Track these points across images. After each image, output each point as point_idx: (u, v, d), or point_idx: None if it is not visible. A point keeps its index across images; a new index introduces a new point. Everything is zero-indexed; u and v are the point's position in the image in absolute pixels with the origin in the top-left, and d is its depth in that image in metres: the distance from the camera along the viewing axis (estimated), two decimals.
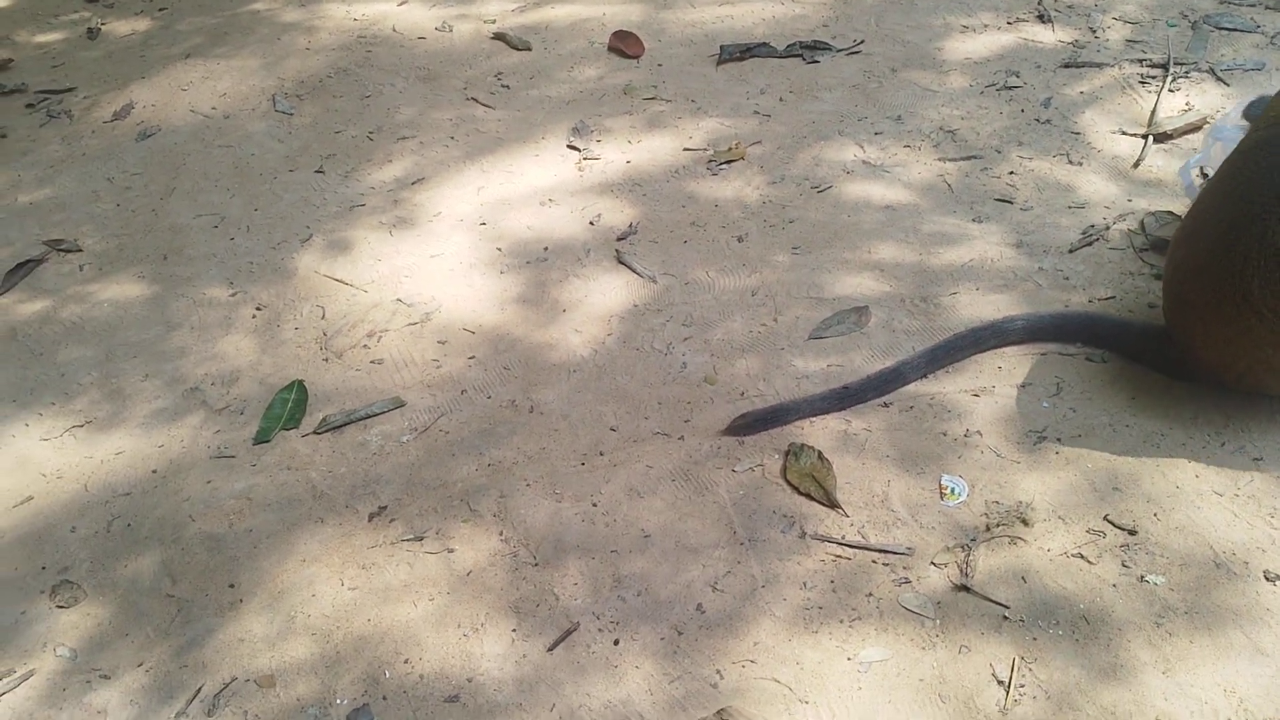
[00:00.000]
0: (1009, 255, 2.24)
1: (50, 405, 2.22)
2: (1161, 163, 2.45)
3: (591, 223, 2.53)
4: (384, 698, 1.57)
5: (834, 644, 1.55)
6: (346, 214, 2.68)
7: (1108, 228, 2.27)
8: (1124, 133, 2.56)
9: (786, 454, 1.85)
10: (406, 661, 1.61)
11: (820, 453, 1.83)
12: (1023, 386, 1.93)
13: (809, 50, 3.09)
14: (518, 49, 3.35)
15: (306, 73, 3.33)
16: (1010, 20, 3.11)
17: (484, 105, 3.08)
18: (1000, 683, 1.47)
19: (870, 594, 1.62)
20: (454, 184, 2.74)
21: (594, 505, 1.82)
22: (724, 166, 2.66)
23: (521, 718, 1.52)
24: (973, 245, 2.28)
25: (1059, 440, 1.81)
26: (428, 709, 1.54)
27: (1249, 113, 2.19)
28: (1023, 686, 1.47)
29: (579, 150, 2.80)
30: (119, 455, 2.07)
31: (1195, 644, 1.49)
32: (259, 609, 1.73)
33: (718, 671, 1.54)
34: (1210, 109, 2.57)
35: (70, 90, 3.44)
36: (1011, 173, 2.49)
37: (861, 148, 2.65)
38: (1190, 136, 2.51)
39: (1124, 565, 1.60)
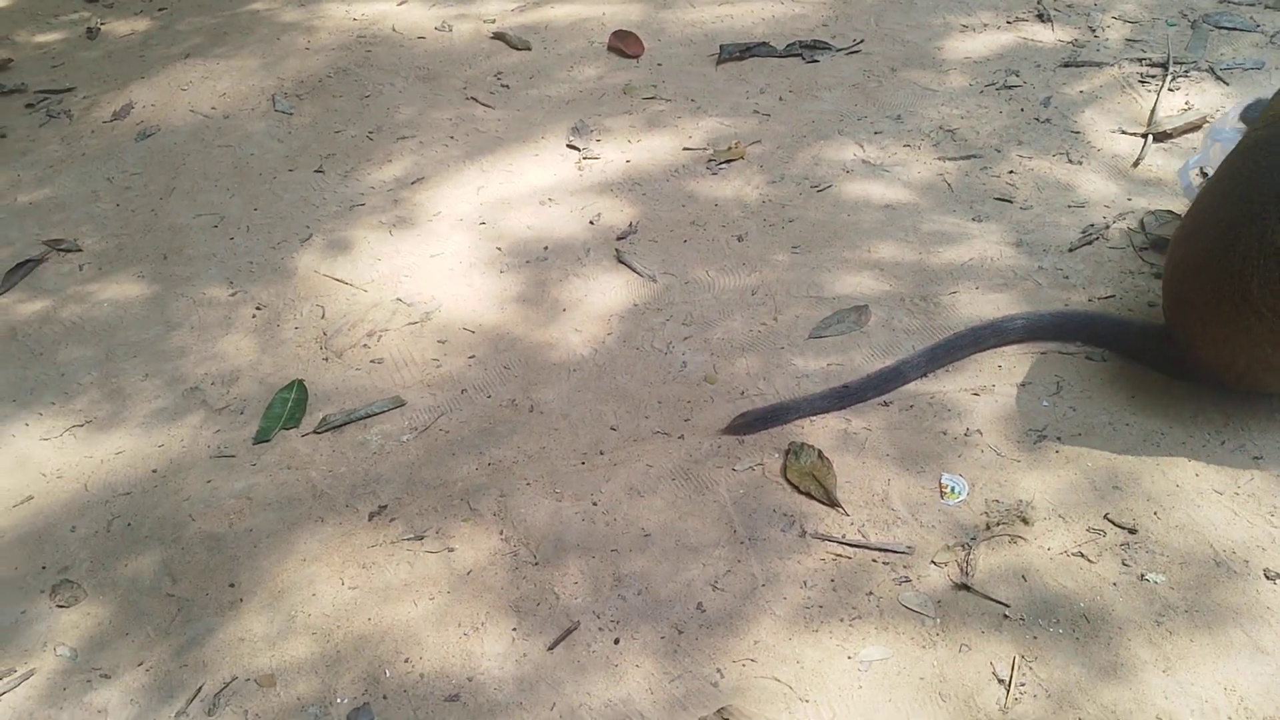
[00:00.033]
0: (1009, 254, 2.24)
1: (50, 405, 2.22)
2: (1161, 162, 2.45)
3: (591, 222, 2.53)
4: (384, 697, 1.57)
5: (834, 643, 1.55)
6: (346, 214, 2.68)
7: (1107, 226, 2.27)
8: (1124, 132, 2.57)
9: (787, 453, 1.85)
10: (407, 661, 1.61)
11: (820, 451, 1.83)
12: (1023, 385, 1.93)
13: (809, 50, 3.09)
14: (517, 49, 3.35)
15: (306, 72, 3.33)
16: (1010, 19, 3.11)
17: (484, 105, 3.08)
18: (1001, 681, 1.48)
19: (870, 593, 1.62)
20: (454, 183, 2.74)
21: (594, 504, 1.82)
22: (724, 166, 2.66)
23: (522, 717, 1.52)
24: (972, 244, 2.28)
25: (1059, 439, 1.81)
26: (428, 708, 1.54)
27: (1246, 115, 2.19)
28: (1023, 685, 1.47)
29: (579, 150, 2.81)
30: (119, 455, 2.07)
31: (1195, 642, 1.49)
32: (259, 608, 1.73)
33: (718, 670, 1.54)
34: (1210, 108, 2.58)
35: (70, 90, 3.44)
36: (1011, 172, 2.49)
37: (861, 147, 2.65)
38: (1190, 136, 2.51)
39: (1124, 564, 1.61)
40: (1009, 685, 1.47)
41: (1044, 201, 2.38)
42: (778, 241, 2.38)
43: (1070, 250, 2.22)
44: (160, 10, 3.96)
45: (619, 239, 2.45)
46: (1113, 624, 1.53)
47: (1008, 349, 2.01)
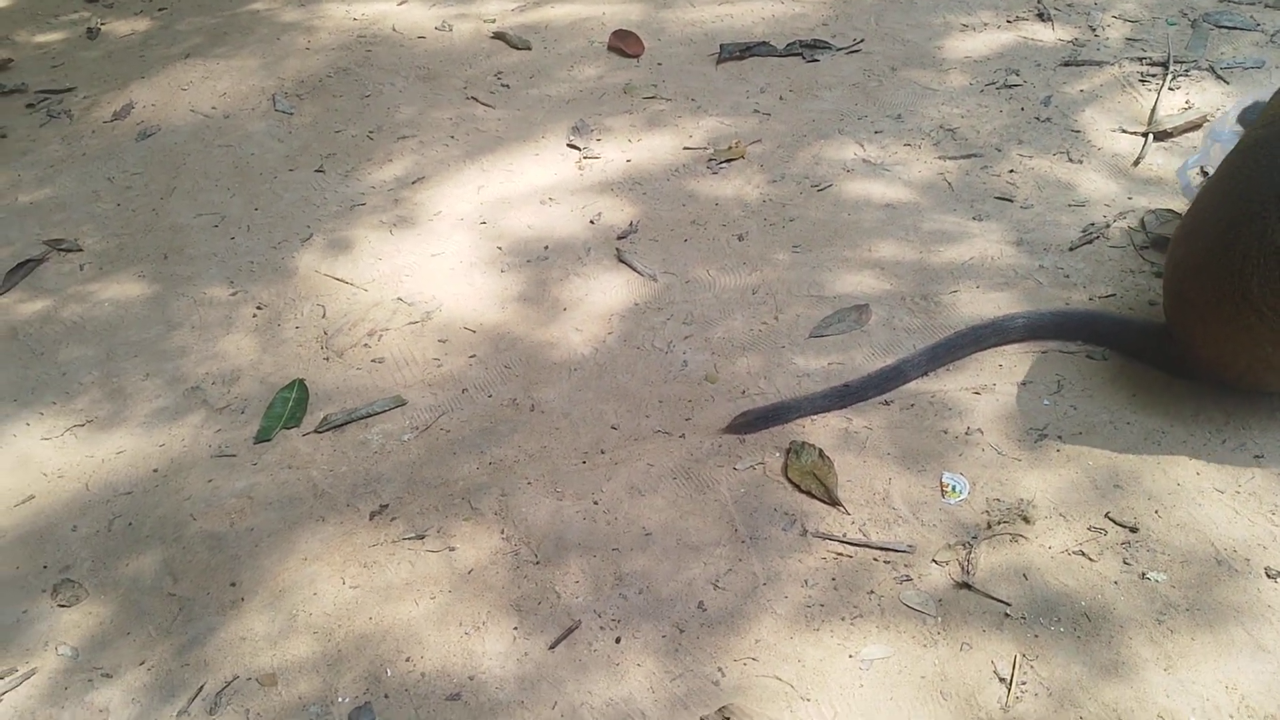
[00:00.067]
0: (1009, 253, 2.24)
1: (51, 404, 2.22)
2: (1161, 161, 2.45)
3: (592, 221, 2.53)
4: (385, 696, 1.57)
5: (835, 641, 1.55)
6: (347, 213, 2.68)
7: (1108, 225, 2.27)
8: (1124, 131, 2.57)
9: (788, 452, 1.85)
10: (408, 660, 1.61)
11: (821, 450, 1.83)
12: (1023, 384, 1.93)
13: (809, 49, 3.09)
14: (518, 48, 3.35)
15: (306, 72, 3.33)
16: (1010, 19, 3.11)
17: (484, 104, 3.08)
18: (1002, 680, 1.48)
19: (872, 591, 1.62)
20: (454, 183, 2.74)
21: (595, 503, 1.82)
22: (724, 165, 2.66)
23: (523, 716, 1.52)
24: (973, 243, 2.28)
25: (1060, 438, 1.81)
26: (429, 707, 1.54)
27: (1244, 118, 2.19)
28: (1024, 684, 1.47)
29: (579, 149, 2.81)
30: (120, 454, 2.07)
31: (1197, 641, 1.49)
32: (260, 607, 1.73)
33: (719, 669, 1.54)
34: (1210, 107, 2.58)
35: (70, 90, 3.44)
36: (1012, 171, 2.49)
37: (862, 146, 2.65)
38: (1190, 135, 2.51)
39: (1125, 562, 1.61)
40: (1010, 684, 1.47)
41: (1044, 200, 2.38)
42: (778, 241, 2.38)
43: (1071, 249, 2.22)
44: (160, 10, 3.96)
45: (619, 238, 2.45)
46: (1114, 622, 1.53)
47: (1008, 348, 2.01)
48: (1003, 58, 2.93)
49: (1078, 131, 2.59)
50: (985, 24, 3.10)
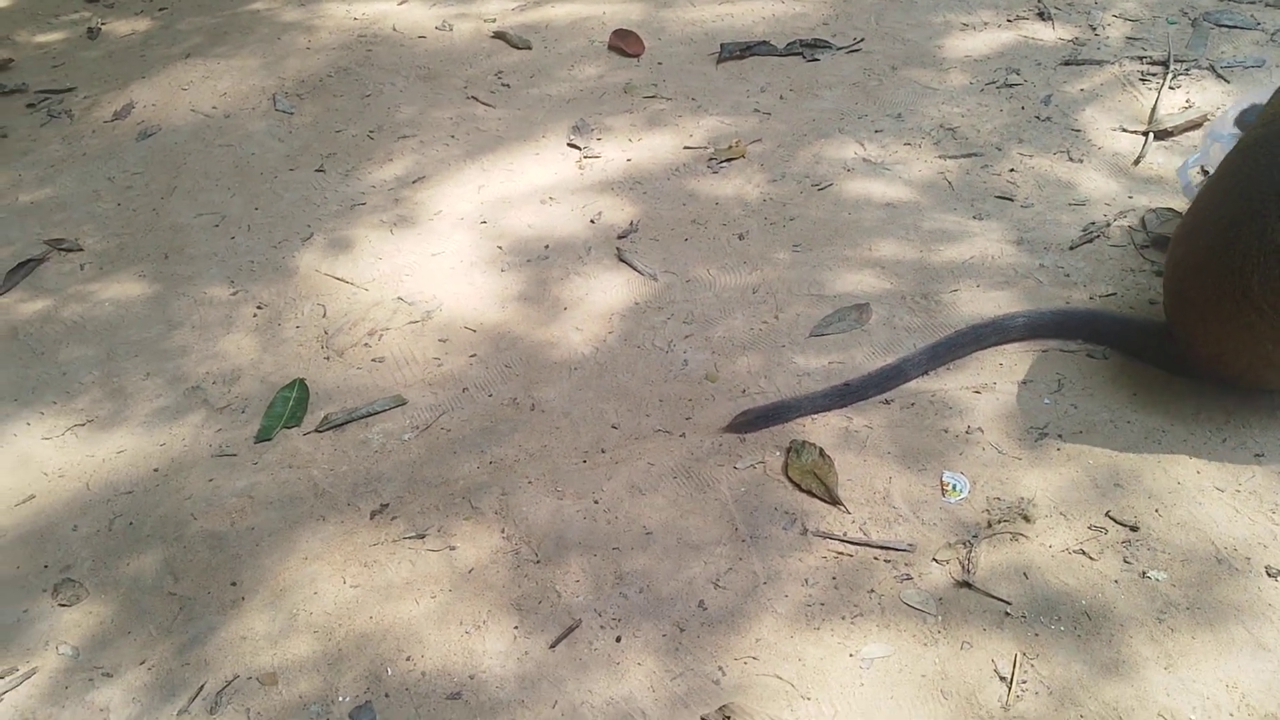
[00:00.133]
0: (1010, 252, 2.24)
1: (52, 404, 2.22)
2: (1162, 160, 2.45)
3: (592, 221, 2.53)
4: (386, 695, 1.57)
5: (836, 640, 1.55)
6: (347, 213, 2.69)
7: (1108, 224, 2.27)
8: (1124, 130, 2.57)
9: (788, 451, 1.85)
10: (408, 659, 1.61)
11: (822, 450, 1.83)
12: (1024, 383, 1.93)
13: (809, 48, 3.09)
14: (518, 48, 3.35)
15: (307, 72, 3.33)
16: (1010, 18, 3.11)
17: (484, 104, 3.08)
18: (1002, 679, 1.48)
19: (872, 590, 1.62)
20: (455, 182, 2.74)
21: (595, 502, 1.82)
22: (724, 164, 2.66)
23: (524, 715, 1.52)
24: (973, 242, 2.28)
25: (1060, 437, 1.81)
26: (430, 706, 1.54)
27: (1241, 120, 2.19)
28: (1025, 682, 1.47)
29: (579, 149, 2.81)
30: (121, 454, 2.07)
31: (1197, 639, 1.49)
32: (261, 607, 1.73)
33: (720, 668, 1.54)
34: (1211, 106, 2.58)
35: (70, 90, 3.44)
36: (1012, 170, 2.49)
37: (862, 145, 2.65)
38: (1191, 133, 2.51)
39: (1126, 561, 1.61)
40: (1010, 682, 1.47)
41: (1045, 199, 2.38)
42: (779, 240, 2.38)
43: (1071, 248, 2.22)
44: (161, 10, 3.96)
45: (620, 238, 2.45)
46: (1114, 621, 1.53)
47: (1009, 347, 2.01)
48: (1003, 57, 2.93)
49: (1078, 130, 2.59)
50: (985, 23, 3.10)
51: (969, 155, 2.56)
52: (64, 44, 3.80)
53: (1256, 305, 1.65)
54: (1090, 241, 2.23)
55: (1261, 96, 2.03)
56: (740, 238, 2.40)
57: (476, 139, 2.92)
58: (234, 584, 1.77)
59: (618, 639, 1.60)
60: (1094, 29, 3.00)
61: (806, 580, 1.65)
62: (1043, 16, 3.09)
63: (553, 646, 1.60)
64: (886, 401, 1.94)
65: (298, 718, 1.56)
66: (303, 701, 1.58)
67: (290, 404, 2.11)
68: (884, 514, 1.73)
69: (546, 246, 2.46)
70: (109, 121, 3.22)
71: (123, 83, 3.39)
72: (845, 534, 1.71)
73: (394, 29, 3.54)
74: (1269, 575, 1.56)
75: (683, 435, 1.93)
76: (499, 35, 3.43)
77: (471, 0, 3.69)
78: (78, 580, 1.82)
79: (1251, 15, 2.93)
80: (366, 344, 2.25)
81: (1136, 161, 2.45)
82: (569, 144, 2.83)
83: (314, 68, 3.35)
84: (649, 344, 2.15)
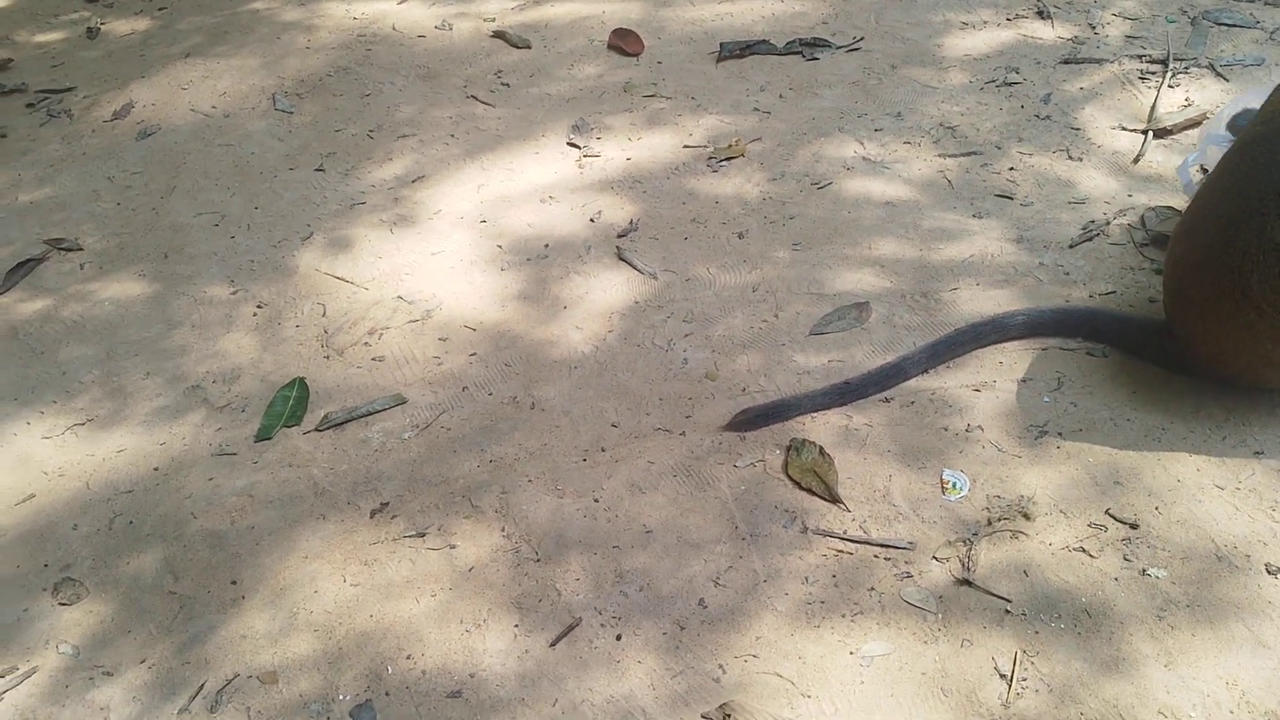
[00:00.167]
0: (1009, 251, 2.24)
1: (52, 403, 2.22)
2: (1161, 158, 2.45)
3: (592, 220, 2.53)
4: (386, 693, 1.57)
5: (836, 638, 1.55)
6: (347, 212, 2.69)
7: (1108, 223, 2.27)
8: (1124, 128, 2.57)
9: (788, 449, 1.85)
10: (409, 657, 1.62)
11: (821, 448, 1.84)
12: (1024, 381, 1.93)
13: (809, 47, 3.09)
14: (517, 47, 3.35)
15: (306, 71, 3.33)
16: (1010, 17, 3.11)
17: (484, 103, 3.08)
18: (1002, 676, 1.48)
19: (872, 588, 1.62)
20: (454, 182, 2.75)
21: (596, 501, 1.82)
22: (724, 163, 2.66)
23: (524, 713, 1.52)
24: (973, 241, 2.28)
25: (1060, 435, 1.82)
26: (430, 704, 1.55)
27: (1234, 125, 2.18)
28: (1025, 680, 1.47)
29: (579, 148, 2.81)
30: (121, 453, 2.07)
31: (1197, 637, 1.49)
32: (261, 605, 1.73)
33: (720, 666, 1.54)
34: (1210, 104, 2.58)
35: (70, 90, 3.44)
36: (1012, 168, 2.49)
37: (861, 144, 2.65)
38: (1190, 132, 2.51)
39: (1125, 559, 1.61)
40: (1011, 680, 1.47)
41: (1044, 198, 2.38)
42: (778, 239, 2.38)
43: (1071, 246, 2.22)
44: (160, 10, 3.96)
45: (620, 236, 2.45)
46: (1114, 619, 1.53)
47: (1009, 345, 2.01)
48: (1002, 55, 2.93)
49: (1078, 129, 2.59)
50: (985, 22, 3.10)
51: (969, 154, 2.56)
52: (63, 44, 3.80)
53: (1256, 304, 1.65)
54: (1090, 240, 2.23)
55: (1255, 101, 2.03)
56: (740, 236, 2.40)
57: (476, 138, 2.92)
58: (234, 583, 1.77)
59: (618, 637, 1.60)
60: (1093, 27, 3.00)
61: (807, 578, 1.65)
62: (1042, 15, 3.09)
63: (553, 645, 1.60)
64: (886, 400, 1.94)
65: (298, 716, 1.56)
66: (303, 700, 1.58)
67: (290, 403, 2.11)
68: (884, 512, 1.73)
69: (546, 245, 2.46)
70: (108, 121, 3.22)
71: (122, 82, 3.39)
72: (845, 532, 1.71)
73: (393, 28, 3.54)
74: (1269, 573, 1.56)
75: (683, 434, 1.93)
76: (498, 34, 3.43)
77: None
78: (78, 579, 1.82)
79: (1251, 14, 2.93)
80: (366, 343, 2.25)
81: (1136, 160, 2.45)
82: (569, 143, 2.83)
83: (314, 67, 3.35)
84: (649, 343, 2.15)
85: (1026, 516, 1.69)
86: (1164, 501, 1.68)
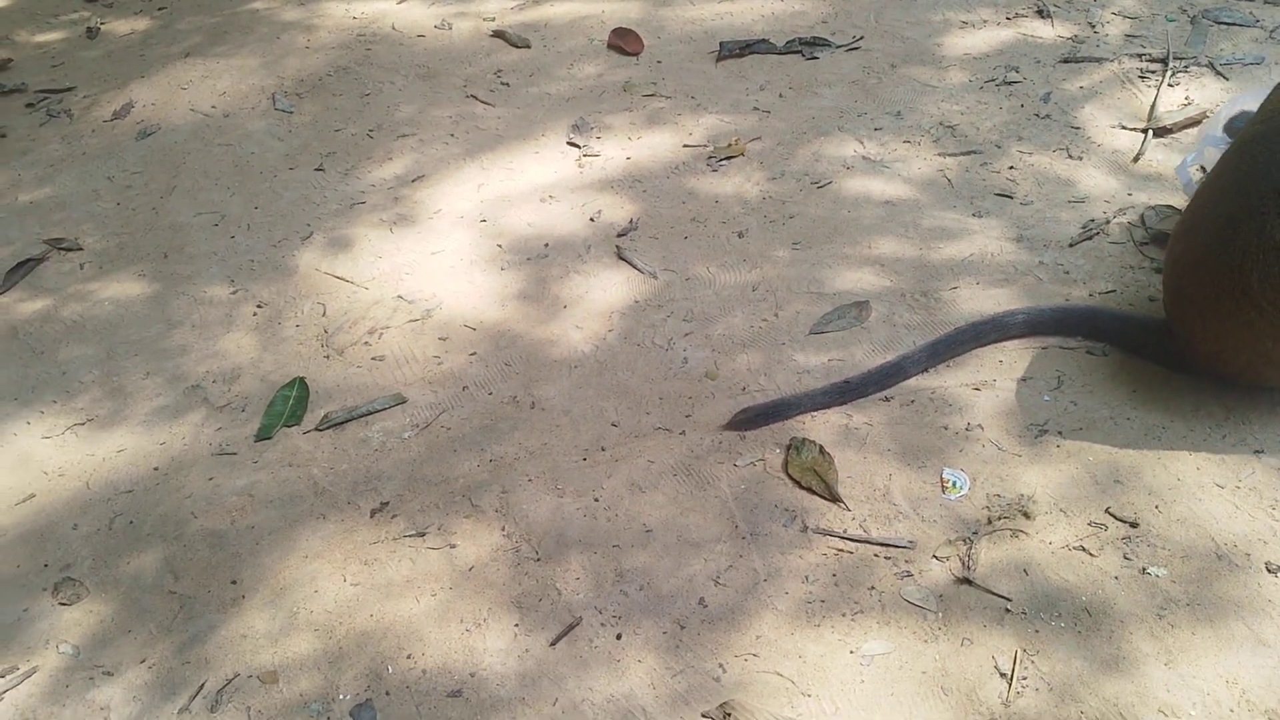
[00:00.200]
0: (1009, 250, 2.24)
1: (52, 403, 2.22)
2: (1161, 157, 2.45)
3: (592, 219, 2.53)
4: (386, 693, 1.57)
5: (836, 637, 1.55)
6: (347, 211, 2.69)
7: (1108, 222, 2.27)
8: (1124, 127, 2.57)
9: (788, 448, 1.85)
10: (409, 657, 1.62)
11: (821, 447, 1.84)
12: (1024, 380, 1.93)
13: (808, 46, 3.09)
14: (517, 46, 3.35)
15: (306, 71, 3.33)
16: (1009, 16, 3.11)
17: (484, 103, 3.08)
18: (1002, 675, 1.48)
19: (872, 587, 1.62)
20: (454, 181, 2.74)
21: (596, 500, 1.82)
22: (724, 163, 2.66)
23: (524, 712, 1.52)
24: (973, 240, 2.28)
25: (1060, 433, 1.82)
26: (430, 704, 1.55)
27: (1230, 127, 2.18)
28: (1025, 679, 1.47)
29: (579, 147, 2.81)
30: (121, 453, 2.07)
31: (1197, 635, 1.49)
32: (261, 605, 1.73)
33: (720, 665, 1.54)
34: (1210, 103, 2.58)
35: (70, 89, 3.44)
36: (1011, 167, 2.49)
37: (861, 143, 2.65)
38: (1190, 130, 2.51)
39: (1125, 557, 1.61)
40: (1011, 679, 1.47)
41: (1044, 197, 2.38)
42: (778, 238, 2.38)
43: (1071, 245, 2.22)
44: (160, 9, 3.96)
45: (619, 236, 2.45)
46: (1114, 617, 1.53)
47: (1008, 344, 2.01)
48: (1002, 55, 2.93)
49: (1077, 128, 2.59)
50: (985, 21, 3.10)
51: (968, 153, 2.56)
52: (63, 44, 3.80)
53: (1255, 302, 1.65)
54: (1090, 239, 2.23)
55: (1252, 102, 2.03)
56: (740, 236, 2.40)
57: (476, 138, 2.92)
58: (234, 582, 1.77)
59: (618, 636, 1.60)
60: (1093, 26, 3.00)
61: (807, 577, 1.65)
62: (1042, 14, 3.09)
63: (553, 644, 1.60)
64: (886, 399, 1.94)
65: (298, 716, 1.56)
66: (303, 700, 1.58)
67: (290, 402, 2.11)
68: (884, 511, 1.73)
69: (546, 245, 2.46)
70: (108, 121, 3.22)
71: (122, 82, 3.39)
72: (845, 531, 1.71)
73: (393, 28, 3.54)
74: (1269, 571, 1.56)
75: (683, 433, 1.93)
76: (498, 34, 3.43)
77: None
78: (78, 579, 1.82)
79: (1250, 12, 2.93)
80: (366, 342, 2.25)
81: (1136, 159, 2.45)
82: (568, 142, 2.83)
83: (313, 67, 3.35)
84: (649, 342, 2.15)
85: (1026, 515, 1.69)
86: (1164, 500, 1.68)
